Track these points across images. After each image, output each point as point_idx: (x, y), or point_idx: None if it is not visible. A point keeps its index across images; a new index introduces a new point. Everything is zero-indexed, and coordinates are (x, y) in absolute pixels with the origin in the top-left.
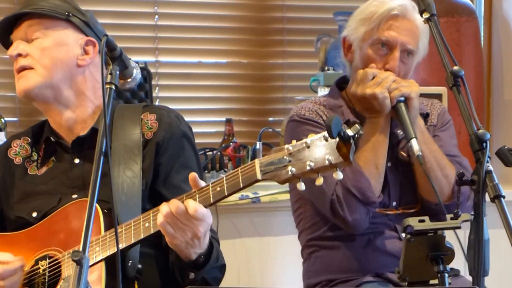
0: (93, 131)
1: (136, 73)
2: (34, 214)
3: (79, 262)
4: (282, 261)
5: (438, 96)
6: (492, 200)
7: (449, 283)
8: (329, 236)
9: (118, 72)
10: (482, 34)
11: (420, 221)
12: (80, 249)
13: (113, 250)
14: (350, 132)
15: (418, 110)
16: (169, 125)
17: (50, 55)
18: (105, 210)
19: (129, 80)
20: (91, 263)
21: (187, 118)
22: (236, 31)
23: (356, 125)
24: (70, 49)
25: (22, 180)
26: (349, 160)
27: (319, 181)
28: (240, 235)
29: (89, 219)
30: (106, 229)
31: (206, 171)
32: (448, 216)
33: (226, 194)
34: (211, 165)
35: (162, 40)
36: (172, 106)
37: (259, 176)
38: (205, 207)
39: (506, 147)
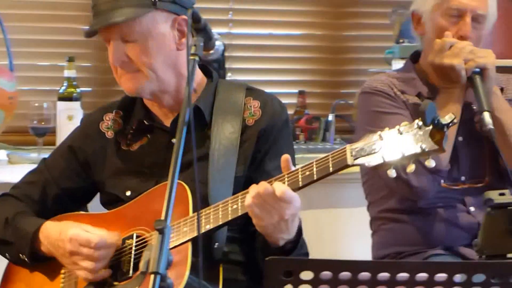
0: (195, 109)
1: (219, 44)
2: (128, 193)
3: (161, 231)
4: (351, 233)
5: None
6: None
7: None
8: (398, 209)
9: (202, 44)
10: None
11: (501, 194)
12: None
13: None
14: (444, 121)
15: (494, 80)
16: (272, 115)
17: (151, 54)
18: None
19: (211, 52)
20: (178, 243)
21: None
22: (310, 3)
23: (451, 113)
24: (166, 39)
25: (114, 155)
26: (442, 148)
27: (411, 168)
28: (310, 206)
29: (171, 188)
30: (194, 211)
31: None
32: None
33: (315, 178)
34: None
35: (237, 11)
36: (244, 77)
37: (350, 161)
38: (294, 190)
39: None
